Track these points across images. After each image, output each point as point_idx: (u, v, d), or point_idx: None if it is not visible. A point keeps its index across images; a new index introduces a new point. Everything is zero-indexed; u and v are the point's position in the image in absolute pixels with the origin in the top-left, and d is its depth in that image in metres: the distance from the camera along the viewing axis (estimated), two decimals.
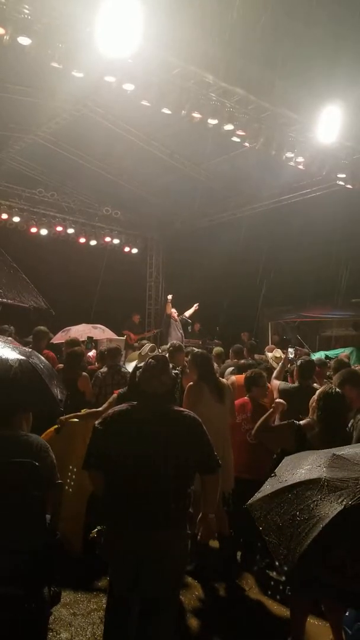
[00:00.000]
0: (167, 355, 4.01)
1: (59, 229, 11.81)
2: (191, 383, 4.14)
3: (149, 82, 5.79)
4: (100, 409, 4.16)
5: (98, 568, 3.37)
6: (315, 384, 4.66)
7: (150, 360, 2.71)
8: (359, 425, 3.48)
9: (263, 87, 6.22)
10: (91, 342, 8.07)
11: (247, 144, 7.13)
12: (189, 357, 4.55)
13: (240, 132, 6.81)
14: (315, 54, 5.77)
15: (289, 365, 5.49)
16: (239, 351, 7.23)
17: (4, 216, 11.07)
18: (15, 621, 2.43)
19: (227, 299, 11.85)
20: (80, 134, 8.78)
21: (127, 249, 13.38)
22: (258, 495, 2.06)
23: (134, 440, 2.50)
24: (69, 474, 4.06)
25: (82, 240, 12.33)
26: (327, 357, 8.74)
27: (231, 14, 5.31)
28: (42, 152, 9.58)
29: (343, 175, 7.98)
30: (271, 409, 3.65)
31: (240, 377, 4.95)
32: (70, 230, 11.97)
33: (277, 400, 3.74)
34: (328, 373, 6.22)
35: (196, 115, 6.34)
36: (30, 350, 3.36)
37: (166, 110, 6.23)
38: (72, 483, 4.04)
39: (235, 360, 6.83)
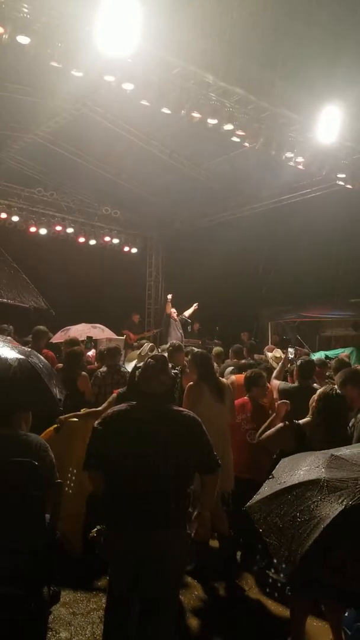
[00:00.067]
0: (166, 355, 4.02)
1: (58, 228, 11.81)
2: (191, 383, 4.13)
3: (149, 82, 5.79)
4: (99, 408, 4.16)
5: (98, 568, 3.37)
6: (315, 384, 4.66)
7: (149, 360, 2.71)
8: None
9: (263, 87, 6.22)
10: (90, 342, 8.07)
11: (246, 144, 7.14)
12: (189, 357, 4.55)
13: (240, 132, 6.80)
14: (315, 54, 5.77)
15: (288, 365, 5.49)
16: (239, 351, 7.23)
17: (3, 215, 11.07)
18: (15, 621, 2.43)
19: (227, 299, 11.85)
20: (79, 133, 8.78)
21: (126, 249, 13.38)
22: (257, 497, 2.06)
23: (134, 440, 2.50)
24: (69, 474, 4.05)
25: (82, 239, 12.32)
26: (327, 357, 8.74)
27: (231, 14, 5.31)
28: (41, 152, 9.57)
29: (343, 175, 7.98)
30: (274, 414, 3.62)
31: (240, 377, 4.95)
32: (70, 230, 11.96)
33: (281, 401, 3.71)
34: (328, 373, 6.22)
35: (196, 115, 6.34)
36: (29, 349, 3.35)
37: (166, 110, 6.23)
38: (72, 483, 4.03)
39: (235, 360, 6.83)
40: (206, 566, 3.91)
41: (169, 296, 10.77)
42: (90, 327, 8.97)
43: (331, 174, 7.93)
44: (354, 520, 1.73)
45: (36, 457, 2.51)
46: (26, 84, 7.26)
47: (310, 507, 1.81)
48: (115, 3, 4.75)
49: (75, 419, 4.25)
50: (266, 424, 3.52)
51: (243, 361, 6.42)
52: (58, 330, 8.72)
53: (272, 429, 3.48)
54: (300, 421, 3.25)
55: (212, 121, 6.46)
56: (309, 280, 11.52)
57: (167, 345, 6.10)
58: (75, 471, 4.03)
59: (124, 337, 9.87)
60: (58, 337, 8.15)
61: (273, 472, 2.18)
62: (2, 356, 2.78)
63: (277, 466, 2.23)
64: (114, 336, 9.10)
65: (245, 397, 4.50)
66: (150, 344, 5.99)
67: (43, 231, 11.61)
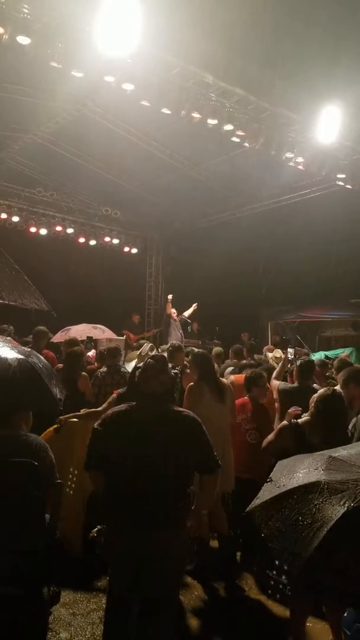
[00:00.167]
0: (166, 355, 4.02)
1: (59, 228, 11.80)
2: (192, 383, 4.13)
3: (149, 82, 5.78)
4: (99, 408, 4.16)
5: (98, 568, 3.37)
6: (315, 385, 4.66)
7: (149, 360, 2.71)
8: None
9: (263, 87, 6.21)
10: (90, 342, 8.07)
11: (246, 144, 7.13)
12: (190, 357, 4.55)
13: (239, 132, 6.80)
14: (315, 54, 5.78)
15: (288, 366, 5.49)
16: (239, 351, 7.23)
17: (3, 216, 11.07)
18: (15, 621, 2.43)
19: (227, 299, 11.85)
20: (79, 133, 8.77)
21: (126, 249, 13.38)
22: (257, 501, 2.04)
23: (134, 440, 2.50)
24: (69, 474, 4.05)
25: (82, 240, 12.32)
26: (326, 357, 8.73)
27: (231, 14, 5.31)
28: (41, 152, 9.57)
29: (342, 176, 7.98)
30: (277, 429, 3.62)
31: (239, 377, 4.95)
32: (70, 230, 11.96)
33: (291, 410, 3.69)
34: (328, 373, 6.22)
35: (196, 115, 6.34)
36: (29, 349, 3.35)
37: (166, 110, 6.23)
38: (72, 483, 4.03)
39: (235, 360, 6.83)
40: (206, 566, 3.91)
41: (170, 296, 10.77)
42: (91, 327, 8.98)
43: (331, 174, 7.93)
44: (356, 522, 1.73)
45: (36, 458, 2.51)
46: (26, 85, 7.26)
47: (312, 511, 1.80)
48: (115, 3, 4.74)
49: (75, 420, 4.25)
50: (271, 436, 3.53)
51: (244, 361, 6.42)
52: (58, 331, 8.72)
53: (272, 433, 3.49)
54: (299, 420, 3.25)
55: (212, 121, 6.46)
56: (308, 280, 11.53)
57: (167, 346, 6.10)
58: (75, 471, 4.03)
59: (124, 338, 9.87)
60: (58, 337, 8.15)
61: (271, 474, 2.17)
62: (2, 356, 2.78)
63: (275, 469, 2.21)
64: (115, 337, 9.10)
65: (246, 397, 4.50)
66: (150, 344, 5.99)
67: (43, 231, 11.61)
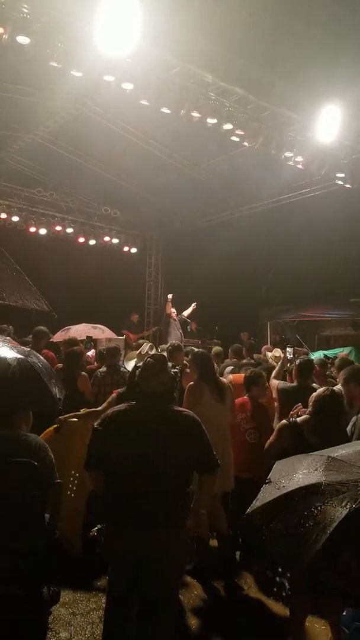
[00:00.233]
0: (166, 354, 4.01)
1: (58, 228, 11.80)
2: (191, 383, 4.13)
3: (148, 82, 5.78)
4: (99, 408, 4.15)
5: (97, 568, 3.37)
6: (314, 384, 4.66)
7: (148, 359, 2.71)
8: None
9: (262, 86, 6.21)
10: (90, 342, 8.07)
11: (246, 144, 7.13)
12: (189, 356, 4.55)
13: (239, 132, 6.80)
14: (315, 54, 5.78)
15: (288, 365, 5.49)
16: (238, 351, 7.22)
17: (3, 215, 11.07)
18: (15, 621, 2.43)
19: (227, 299, 11.85)
20: (79, 133, 8.77)
21: (126, 249, 13.38)
22: (257, 503, 2.02)
23: (133, 440, 2.50)
24: (69, 474, 4.04)
25: (81, 239, 12.32)
26: (325, 356, 8.73)
27: (231, 14, 5.30)
28: (41, 152, 9.57)
29: (342, 175, 7.98)
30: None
31: (237, 376, 4.95)
32: (69, 230, 11.96)
33: (295, 410, 3.69)
34: (327, 372, 6.23)
35: (195, 114, 6.34)
36: (28, 349, 3.35)
37: (165, 110, 6.23)
38: (71, 483, 4.03)
39: (235, 359, 6.83)
40: (206, 566, 3.92)
41: (170, 296, 10.76)
42: (91, 327, 8.98)
43: (330, 174, 7.93)
44: (358, 523, 1.72)
45: (36, 457, 2.51)
46: (26, 84, 7.26)
47: (314, 513, 1.79)
48: (115, 3, 4.74)
49: (75, 419, 4.25)
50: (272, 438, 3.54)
51: (244, 361, 6.42)
52: (57, 331, 8.72)
53: (272, 434, 3.50)
54: (298, 419, 3.26)
55: (211, 121, 6.46)
56: (308, 279, 11.53)
57: (167, 345, 6.10)
58: (75, 473, 4.02)
59: (123, 337, 9.87)
60: (58, 337, 8.16)
61: (270, 475, 2.16)
62: (1, 356, 2.77)
63: (273, 469, 2.20)
64: (114, 336, 9.10)
65: (245, 397, 4.50)
66: (150, 344, 5.99)
67: (43, 231, 11.61)
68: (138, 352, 5.61)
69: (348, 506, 1.74)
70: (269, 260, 12.32)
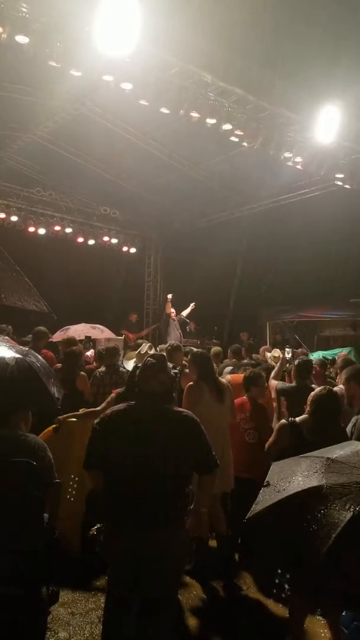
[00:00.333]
0: (165, 354, 4.01)
1: (57, 228, 11.79)
2: (191, 383, 4.13)
3: (147, 81, 5.78)
4: (98, 408, 4.15)
5: (96, 568, 3.37)
6: (313, 384, 4.66)
7: (148, 359, 2.71)
8: None
9: (262, 86, 6.21)
10: (89, 342, 8.07)
11: (245, 144, 7.13)
12: (189, 356, 4.54)
13: (238, 132, 6.80)
14: (315, 54, 5.78)
15: (287, 365, 5.49)
16: (238, 351, 7.22)
17: (2, 215, 11.06)
18: (15, 621, 2.42)
19: (226, 298, 11.85)
20: (78, 133, 8.77)
21: (125, 249, 13.37)
22: (257, 507, 2.00)
23: (133, 440, 2.50)
24: (68, 474, 4.04)
25: (81, 239, 12.31)
26: (324, 357, 8.73)
27: (231, 14, 5.30)
28: (40, 151, 9.56)
29: (341, 175, 7.98)
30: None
31: (236, 376, 4.95)
32: (69, 230, 11.95)
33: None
34: (327, 373, 6.22)
35: (194, 114, 6.33)
36: (27, 348, 3.34)
37: (164, 110, 6.23)
38: (70, 483, 4.03)
39: (234, 360, 6.83)
40: (205, 566, 3.91)
41: (169, 296, 10.76)
42: (90, 327, 8.97)
43: (329, 174, 7.93)
44: None
45: (35, 457, 2.51)
46: (25, 84, 7.25)
47: (318, 516, 1.78)
48: (114, 2, 4.74)
49: (74, 419, 4.25)
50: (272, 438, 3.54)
51: (244, 361, 6.42)
52: (56, 330, 8.71)
53: (272, 435, 3.50)
54: (297, 419, 3.27)
55: (210, 121, 6.45)
56: (308, 280, 11.53)
57: (166, 345, 6.09)
58: (74, 474, 4.01)
59: (122, 337, 9.86)
60: (57, 337, 8.15)
61: (267, 478, 2.14)
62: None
63: (270, 472, 2.18)
64: (113, 336, 9.10)
65: (244, 397, 4.50)
66: (149, 344, 5.98)
67: (42, 231, 11.60)
68: (137, 352, 5.60)
69: (352, 509, 1.72)
70: (268, 260, 12.32)
